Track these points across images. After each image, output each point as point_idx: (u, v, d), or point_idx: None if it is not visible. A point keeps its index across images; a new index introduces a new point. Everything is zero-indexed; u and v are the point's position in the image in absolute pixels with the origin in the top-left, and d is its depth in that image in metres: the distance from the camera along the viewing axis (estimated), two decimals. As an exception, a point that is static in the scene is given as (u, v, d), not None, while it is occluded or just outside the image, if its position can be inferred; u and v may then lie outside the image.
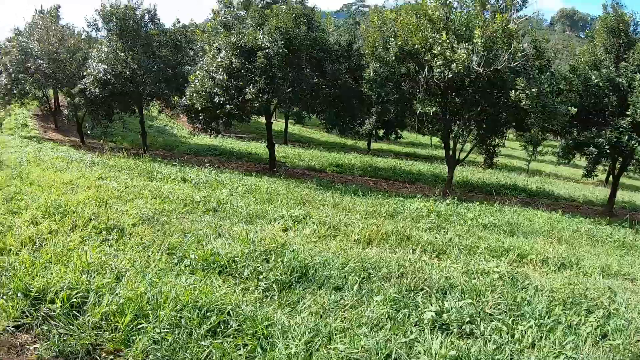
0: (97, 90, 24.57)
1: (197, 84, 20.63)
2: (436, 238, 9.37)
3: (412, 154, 45.91)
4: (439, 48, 16.36)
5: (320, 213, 10.74)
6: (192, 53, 27.38)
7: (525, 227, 12.52)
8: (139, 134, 29.01)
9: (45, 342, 4.65)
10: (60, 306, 5.02)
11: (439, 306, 5.69)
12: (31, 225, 7.66)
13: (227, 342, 4.68)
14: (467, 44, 15.86)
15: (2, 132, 33.21)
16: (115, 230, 7.64)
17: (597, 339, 5.57)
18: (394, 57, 18.22)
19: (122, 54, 25.00)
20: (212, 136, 25.35)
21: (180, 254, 6.69)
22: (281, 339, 4.72)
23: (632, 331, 5.68)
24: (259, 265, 6.40)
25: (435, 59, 16.64)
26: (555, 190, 28.50)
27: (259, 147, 33.90)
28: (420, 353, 4.78)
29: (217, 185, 14.27)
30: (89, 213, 8.34)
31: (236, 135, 43.55)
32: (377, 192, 18.05)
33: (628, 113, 17.14)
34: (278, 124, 46.89)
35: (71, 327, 4.77)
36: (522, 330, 5.49)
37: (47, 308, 5.05)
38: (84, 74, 25.43)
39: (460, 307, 5.73)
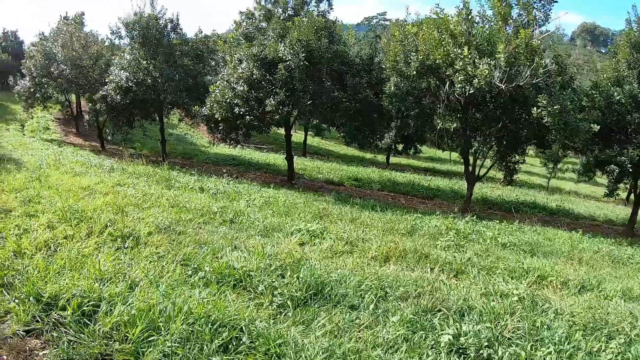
0: (118, 97, 24.83)
1: (218, 94, 20.70)
2: (454, 257, 9.19)
3: (431, 169, 45.65)
4: (461, 63, 16.23)
5: (338, 228, 10.62)
6: (213, 63, 27.60)
7: (545, 247, 12.24)
8: (159, 141, 29.25)
9: (55, 348, 4.59)
10: (72, 313, 4.96)
11: (457, 329, 5.53)
12: (47, 229, 7.67)
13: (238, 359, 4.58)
14: (489, 60, 15.71)
15: (24, 135, 33.73)
16: (131, 238, 7.60)
17: (618, 366, 5.34)
18: (415, 72, 18.12)
19: (144, 62, 25.25)
20: (231, 146, 25.38)
21: (195, 266, 6.62)
22: (294, 359, 4.61)
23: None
24: (274, 280, 6.29)
25: (457, 74, 16.50)
26: (575, 209, 28.06)
27: (278, 159, 33.91)
28: (436, 378, 4.64)
29: (235, 196, 14.22)
30: (105, 220, 8.34)
31: (255, 145, 43.69)
32: (396, 207, 17.89)
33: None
34: (297, 136, 47.01)
35: (81, 335, 4.71)
36: (541, 357, 5.30)
37: (58, 314, 5.00)
38: (106, 80, 25.72)
39: (478, 330, 5.56)
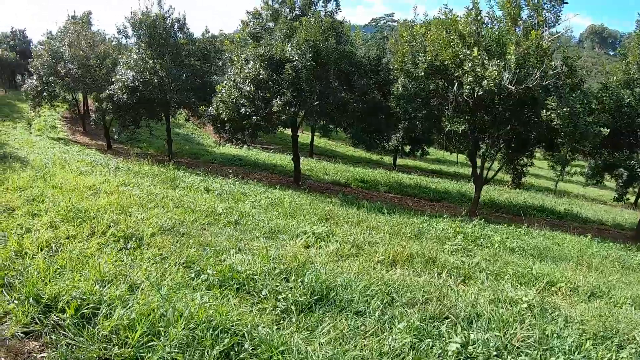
0: (124, 96, 24.82)
1: (224, 94, 20.63)
2: (462, 262, 9.04)
3: (438, 171, 45.51)
4: (470, 64, 16.08)
5: (344, 230, 10.50)
6: (220, 63, 27.53)
7: (554, 252, 12.09)
8: (165, 141, 29.26)
9: (53, 351, 4.49)
10: (71, 316, 4.86)
11: (465, 337, 5.38)
12: (50, 228, 7.57)
13: (239, 367, 4.46)
14: (498, 61, 15.55)
15: (31, 133, 33.78)
16: (134, 239, 7.49)
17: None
18: (423, 73, 17.99)
19: (151, 61, 25.22)
20: (237, 146, 25.34)
21: (198, 268, 6.49)
22: (297, 366, 4.48)
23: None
24: (278, 284, 6.15)
25: (466, 75, 16.35)
26: (584, 213, 27.84)
27: (284, 159, 33.86)
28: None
29: (240, 197, 14.13)
30: (108, 220, 8.24)
31: (262, 146, 43.67)
32: (402, 210, 17.75)
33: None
34: (304, 137, 46.96)
35: (80, 338, 4.60)
36: (551, 366, 5.16)
37: (57, 316, 4.89)
38: (113, 79, 25.69)
39: (487, 338, 5.41)
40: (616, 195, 20.40)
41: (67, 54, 30.49)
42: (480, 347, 5.19)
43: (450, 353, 5.07)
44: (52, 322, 4.83)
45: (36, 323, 4.83)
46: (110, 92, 25.76)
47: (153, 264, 6.54)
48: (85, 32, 32.37)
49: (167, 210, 10.07)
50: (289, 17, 22.06)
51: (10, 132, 32.23)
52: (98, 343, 4.56)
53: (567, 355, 5.39)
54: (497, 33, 17.24)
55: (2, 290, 5.28)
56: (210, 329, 4.74)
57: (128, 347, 4.54)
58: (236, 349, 4.63)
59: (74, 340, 4.59)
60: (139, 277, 5.92)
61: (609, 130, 16.09)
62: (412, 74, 18.55)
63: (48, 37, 38.60)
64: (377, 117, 22.64)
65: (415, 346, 5.14)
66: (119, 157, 22.13)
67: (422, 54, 18.03)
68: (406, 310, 6.02)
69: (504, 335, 5.62)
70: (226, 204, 12.12)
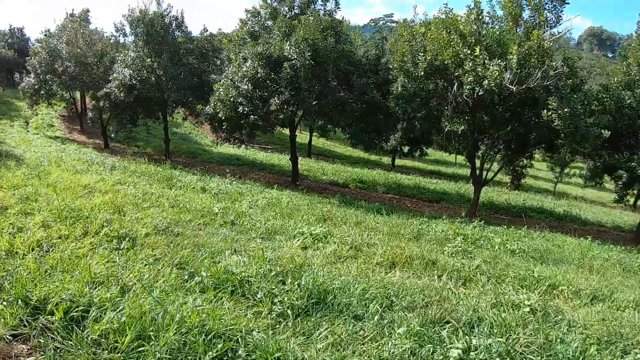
0: (122, 94, 24.65)
1: (222, 92, 20.50)
2: (462, 264, 8.90)
3: (436, 172, 45.42)
4: (471, 64, 15.95)
5: (342, 232, 10.36)
6: (218, 62, 27.37)
7: (555, 255, 11.97)
8: (163, 140, 29.07)
9: (41, 355, 4.37)
10: (60, 318, 4.73)
11: (466, 342, 5.22)
12: (42, 228, 7.46)
13: (233, 374, 4.31)
14: (499, 61, 15.42)
15: (28, 131, 33.63)
16: (127, 239, 7.35)
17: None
18: (422, 72, 17.85)
19: (149, 59, 25.03)
20: (235, 146, 25.19)
21: (192, 270, 6.34)
22: (293, 374, 4.32)
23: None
24: (274, 287, 5.99)
25: (467, 75, 16.21)
26: (583, 215, 27.72)
27: (282, 159, 33.72)
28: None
29: (237, 196, 14.00)
30: (102, 219, 8.13)
31: (260, 146, 43.54)
32: (401, 210, 17.62)
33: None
34: (302, 137, 46.87)
35: (69, 342, 4.47)
36: (555, 373, 5.02)
37: (45, 319, 4.76)
38: (110, 78, 25.53)
39: (489, 344, 5.25)
40: (616, 197, 20.29)
41: (64, 52, 30.32)
42: (483, 353, 5.04)
43: (451, 359, 4.92)
44: (41, 324, 4.71)
45: (25, 325, 4.71)
46: (108, 91, 25.59)
47: (146, 265, 6.40)
48: (83, 30, 32.23)
49: (162, 210, 9.93)
50: (287, 16, 21.92)
51: (7, 131, 32.03)
52: (87, 347, 4.44)
53: (571, 361, 5.24)
54: (498, 33, 17.10)
55: (-10, 291, 5.14)
56: (203, 334, 4.60)
57: (117, 352, 4.41)
58: (230, 355, 4.50)
59: (63, 344, 4.47)
60: (131, 278, 5.79)
61: (610, 132, 15.98)
62: (412, 73, 18.41)
63: (46, 35, 38.41)
64: (375, 117, 22.52)
65: (416, 352, 4.99)
66: (115, 156, 21.95)
67: (422, 54, 17.90)
68: (406, 315, 5.87)
69: (506, 341, 5.47)
70: (223, 204, 11.99)
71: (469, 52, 16.18)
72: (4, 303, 4.91)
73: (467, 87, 16.23)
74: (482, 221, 15.50)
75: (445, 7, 18.04)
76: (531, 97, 16.30)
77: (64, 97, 35.93)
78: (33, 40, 56.84)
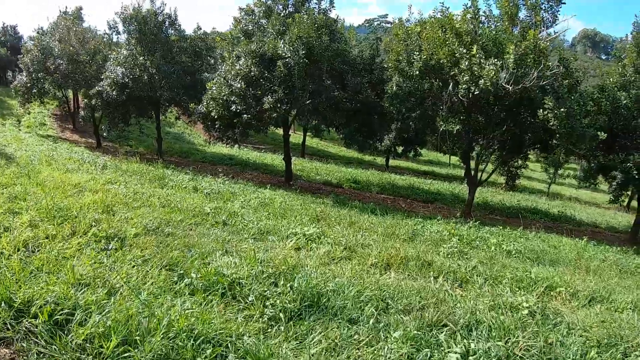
0: (114, 93, 24.45)
1: (215, 91, 20.34)
2: (459, 265, 8.76)
3: (430, 173, 45.40)
4: (467, 63, 15.85)
5: (336, 232, 10.19)
6: (212, 61, 27.19)
7: (551, 255, 11.89)
8: (155, 139, 28.84)
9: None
10: (44, 322, 4.54)
11: (465, 346, 5.07)
12: (29, 227, 7.25)
13: (222, 380, 4.14)
14: (496, 60, 15.32)
15: (20, 130, 33.39)
16: (116, 239, 7.16)
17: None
18: (417, 72, 17.72)
19: (141, 58, 24.82)
20: (228, 145, 25.01)
21: (182, 271, 6.15)
22: (285, 381, 4.16)
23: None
24: (266, 289, 5.80)
25: (462, 74, 16.10)
26: (577, 215, 27.76)
27: (276, 159, 33.59)
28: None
29: (230, 196, 13.85)
30: (91, 219, 7.93)
31: (253, 145, 43.42)
32: (396, 211, 17.51)
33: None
34: (296, 137, 46.76)
35: (53, 346, 4.29)
36: (556, 377, 4.89)
37: (29, 322, 4.57)
38: (102, 76, 25.32)
39: (489, 348, 5.10)
40: (612, 197, 20.26)
41: (57, 50, 30.06)
42: (482, 357, 4.90)
43: (449, 364, 4.77)
44: (25, 328, 4.53)
45: (8, 329, 4.53)
46: (100, 89, 25.37)
47: (134, 266, 6.21)
48: (76, 27, 31.95)
49: (153, 210, 9.74)
50: (282, 14, 21.76)
51: (-1, 129, 31.80)
52: (71, 352, 4.27)
53: (572, 365, 5.12)
54: (494, 32, 17.01)
55: (-27, 294, 4.96)
56: (192, 339, 4.43)
57: (102, 358, 4.23)
58: (219, 361, 4.31)
59: (46, 348, 4.29)
60: (119, 280, 5.59)
61: (606, 135, 15.93)
62: (407, 72, 18.29)
63: (38, 33, 38.06)
64: (370, 117, 22.39)
65: (413, 357, 4.83)
66: (107, 155, 21.75)
67: (417, 53, 17.78)
68: (402, 318, 5.71)
69: (505, 344, 5.33)
70: (215, 203, 11.82)
71: (465, 51, 16.08)
72: (-13, 305, 4.69)
73: (463, 86, 16.14)
74: (478, 222, 15.42)
75: (442, 6, 17.94)
76: (527, 97, 16.22)
77: (56, 95, 35.68)
78: (26, 38, 56.51)
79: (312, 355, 4.58)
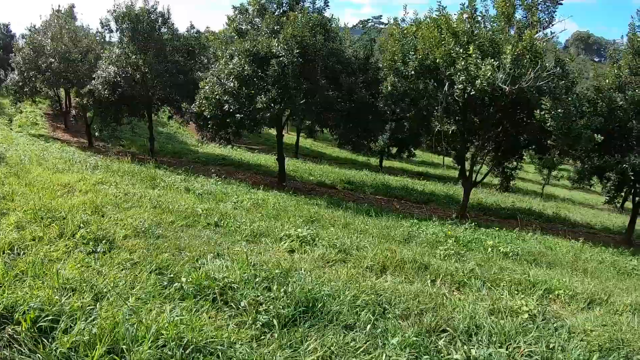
0: (106, 92, 24.19)
1: (207, 90, 20.15)
2: (456, 267, 8.59)
3: (424, 174, 45.30)
4: (463, 63, 15.73)
5: (330, 234, 10.01)
6: (205, 60, 26.97)
7: (548, 257, 11.75)
8: (147, 139, 28.60)
9: (7, 369, 3.98)
10: (27, 329, 4.36)
11: (465, 352, 4.92)
12: (15, 229, 7.08)
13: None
14: (492, 60, 15.21)
15: (11, 129, 33.11)
16: (105, 241, 6.98)
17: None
18: (413, 72, 17.59)
19: (134, 56, 24.56)
20: (221, 145, 24.82)
21: (172, 275, 5.96)
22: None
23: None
24: (259, 294, 5.61)
25: (458, 74, 15.98)
26: (572, 216, 27.70)
27: (269, 160, 33.39)
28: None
29: (222, 197, 13.65)
30: (79, 220, 7.75)
31: (246, 146, 43.21)
32: (390, 212, 17.35)
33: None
34: (290, 137, 46.62)
35: (36, 355, 4.11)
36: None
37: (12, 329, 4.38)
38: (94, 75, 25.06)
39: (490, 354, 4.96)
40: (607, 198, 20.21)
41: (49, 48, 29.73)
42: (483, 365, 4.73)
43: (450, 372, 4.61)
44: (8, 335, 4.34)
45: (-10, 336, 4.32)
46: (91, 88, 25.11)
47: (123, 269, 6.04)
48: (68, 25, 31.62)
49: (143, 211, 9.54)
50: (276, 13, 21.60)
51: (-10, 129, 31.48)
52: (55, 362, 4.06)
53: (574, 370, 4.99)
54: (490, 32, 16.91)
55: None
56: (181, 347, 4.25)
57: (88, 367, 4.04)
58: (210, 371, 4.13)
59: (30, 357, 4.11)
60: (106, 285, 5.42)
61: (602, 138, 15.84)
62: (402, 72, 18.16)
63: (30, 31, 37.73)
64: (364, 117, 22.26)
65: (412, 365, 4.66)
66: (99, 155, 21.49)
67: (413, 53, 17.66)
68: (400, 323, 5.55)
69: (506, 350, 5.19)
70: (207, 204, 11.62)
71: (461, 50, 15.97)
72: (-30, 311, 4.50)
73: (459, 86, 16.02)
74: (473, 223, 15.30)
75: (439, 5, 17.81)
76: (523, 97, 16.12)
77: (48, 94, 35.38)
78: (19, 36, 56.07)
79: (307, 364, 4.41)
